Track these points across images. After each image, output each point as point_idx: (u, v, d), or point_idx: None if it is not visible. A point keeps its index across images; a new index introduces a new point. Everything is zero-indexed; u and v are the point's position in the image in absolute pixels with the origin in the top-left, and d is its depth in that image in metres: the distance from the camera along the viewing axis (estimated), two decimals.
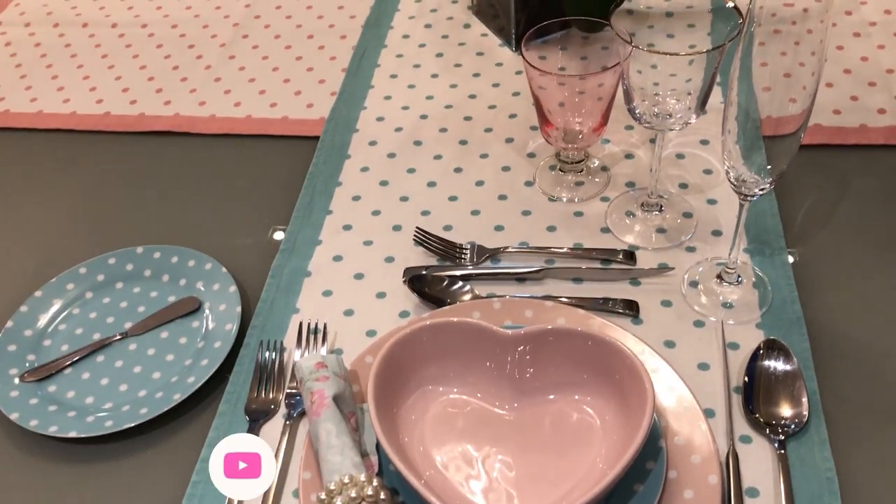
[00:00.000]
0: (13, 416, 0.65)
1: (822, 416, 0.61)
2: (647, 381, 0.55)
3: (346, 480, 0.53)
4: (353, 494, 0.52)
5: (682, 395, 0.60)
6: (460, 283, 0.72)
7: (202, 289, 0.74)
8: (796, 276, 0.71)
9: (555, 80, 0.73)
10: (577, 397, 0.60)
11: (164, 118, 0.95)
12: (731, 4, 0.64)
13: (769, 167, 0.60)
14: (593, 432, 0.59)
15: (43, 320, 0.73)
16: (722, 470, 0.57)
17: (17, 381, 0.68)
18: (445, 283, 0.71)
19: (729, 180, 0.63)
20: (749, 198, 0.63)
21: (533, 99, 0.77)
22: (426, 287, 0.71)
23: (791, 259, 0.72)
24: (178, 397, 0.65)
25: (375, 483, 0.54)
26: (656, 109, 0.69)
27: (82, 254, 0.78)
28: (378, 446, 0.59)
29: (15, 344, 0.71)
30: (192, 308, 0.73)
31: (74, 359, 0.70)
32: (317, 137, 0.91)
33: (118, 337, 0.72)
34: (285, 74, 1.00)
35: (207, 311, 0.73)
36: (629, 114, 0.70)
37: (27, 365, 0.70)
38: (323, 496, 0.53)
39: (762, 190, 0.62)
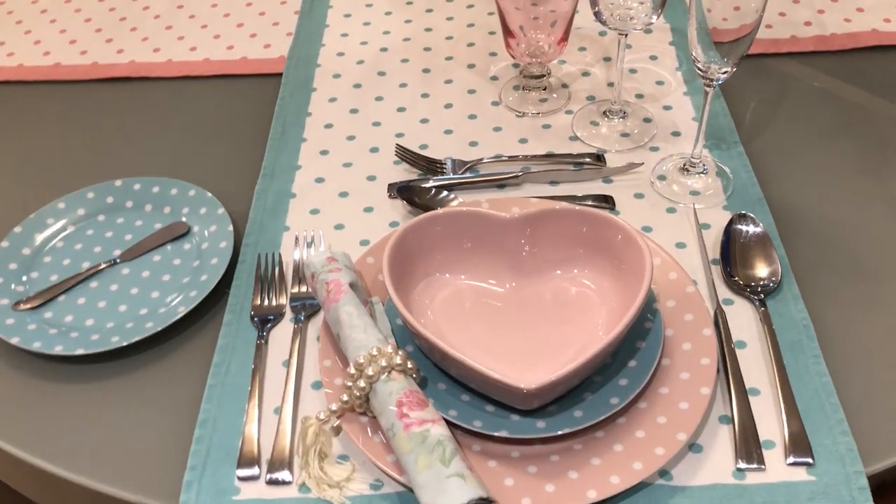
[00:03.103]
0: (13, 341, 0.64)
1: (792, 276, 0.67)
2: (642, 243, 0.59)
3: (375, 353, 0.55)
4: (384, 364, 0.55)
5: (668, 264, 0.65)
6: (445, 192, 0.75)
7: (188, 214, 0.75)
8: (752, 166, 0.77)
9: None
10: (575, 271, 0.64)
11: (119, 66, 0.94)
12: None
13: (726, 58, 0.66)
14: (592, 302, 0.63)
15: (27, 251, 0.72)
16: (718, 323, 0.62)
17: (10, 310, 0.67)
18: (432, 192, 0.74)
19: (695, 67, 0.68)
20: (714, 82, 0.68)
21: (498, 13, 0.81)
22: (415, 196, 0.74)
23: (742, 150, 0.78)
24: (182, 310, 0.66)
25: (402, 352, 0.56)
26: (620, 13, 0.73)
27: (57, 194, 0.77)
28: (393, 331, 0.61)
29: (1, 277, 0.70)
30: (181, 232, 0.73)
31: (67, 287, 0.69)
32: (279, 75, 0.92)
33: (109, 264, 0.71)
34: (238, 19, 1.00)
35: (198, 234, 0.73)
36: (595, 17, 0.75)
37: (18, 296, 0.69)
38: (353, 370, 0.55)
39: (725, 73, 0.67)
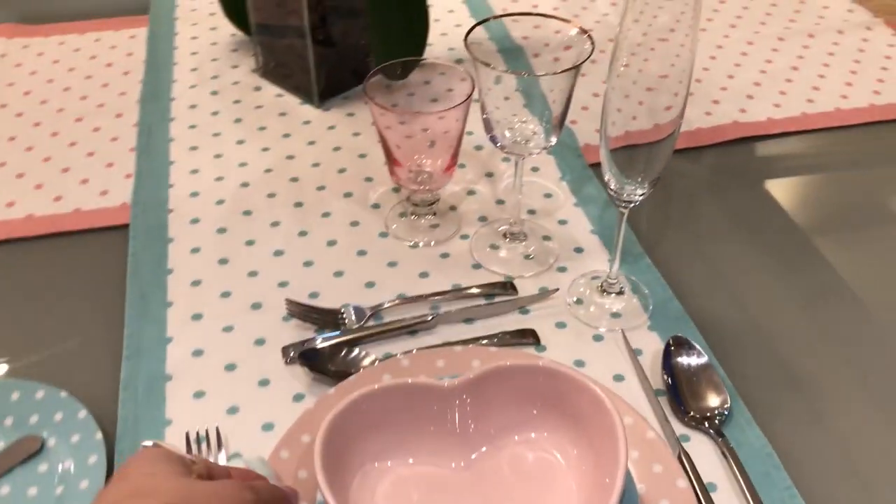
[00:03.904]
0: None
1: (740, 400, 0.63)
2: (607, 402, 0.53)
3: None
4: None
5: (622, 408, 0.59)
6: (356, 350, 0.65)
7: (38, 424, 0.60)
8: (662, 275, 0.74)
9: (407, 119, 0.70)
10: (532, 435, 0.57)
11: None
12: (575, 31, 0.66)
13: (641, 177, 0.63)
14: (556, 468, 0.56)
15: None
16: (687, 472, 0.57)
17: None
18: (342, 352, 0.65)
19: (608, 189, 0.64)
20: (627, 204, 0.65)
21: (380, 141, 0.73)
22: (325, 362, 0.64)
23: (650, 262, 0.76)
24: None
25: None
26: (517, 136, 0.69)
27: None
28: None
29: None
30: (32, 450, 0.58)
31: None
32: (125, 226, 0.79)
33: None
34: (62, 164, 0.86)
35: (55, 449, 0.59)
36: (490, 142, 0.70)
37: None
38: None
39: (641, 195, 0.64)
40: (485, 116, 0.68)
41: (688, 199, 0.84)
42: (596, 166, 0.85)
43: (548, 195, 0.83)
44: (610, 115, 0.60)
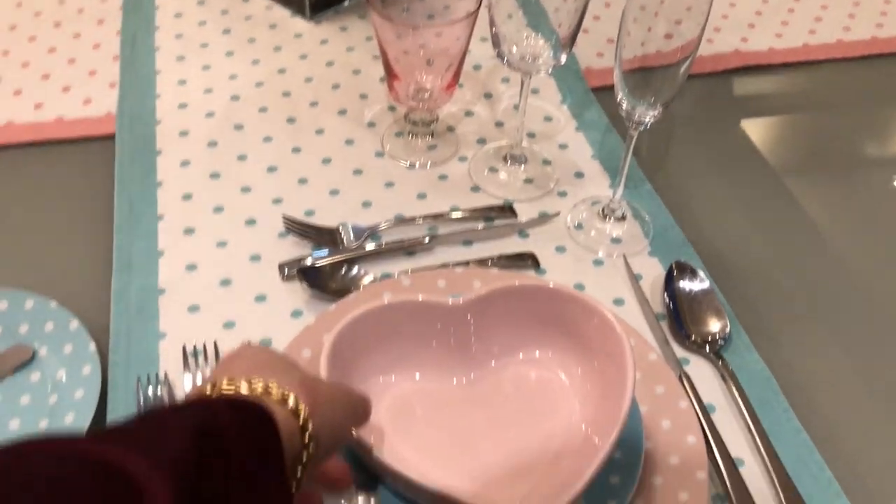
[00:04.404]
0: None
1: (739, 325, 0.64)
2: (617, 326, 0.52)
3: None
4: None
5: (626, 331, 0.59)
6: (356, 269, 0.64)
7: (29, 334, 0.58)
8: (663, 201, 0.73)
9: (409, 32, 0.68)
10: (537, 353, 0.56)
11: None
12: None
13: (653, 98, 0.61)
14: (559, 388, 0.55)
15: None
16: (688, 393, 0.57)
17: None
18: (342, 270, 0.63)
19: (620, 110, 0.63)
20: (638, 125, 0.63)
21: (381, 56, 0.71)
22: (324, 279, 0.62)
23: (651, 188, 0.75)
24: None
25: (361, 497, 0.46)
26: (525, 53, 0.67)
27: None
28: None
29: None
30: (23, 359, 0.57)
31: None
32: (110, 137, 0.76)
33: None
34: (41, 70, 0.82)
35: (47, 359, 0.57)
36: (498, 58, 0.67)
37: None
38: None
39: (653, 117, 0.62)
40: (493, 30, 0.66)
41: (689, 126, 0.83)
42: (597, 90, 0.83)
43: (548, 118, 0.82)
44: (625, 35, 0.58)
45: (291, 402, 0.37)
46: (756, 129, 0.83)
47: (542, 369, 0.56)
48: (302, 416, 0.37)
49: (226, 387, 0.37)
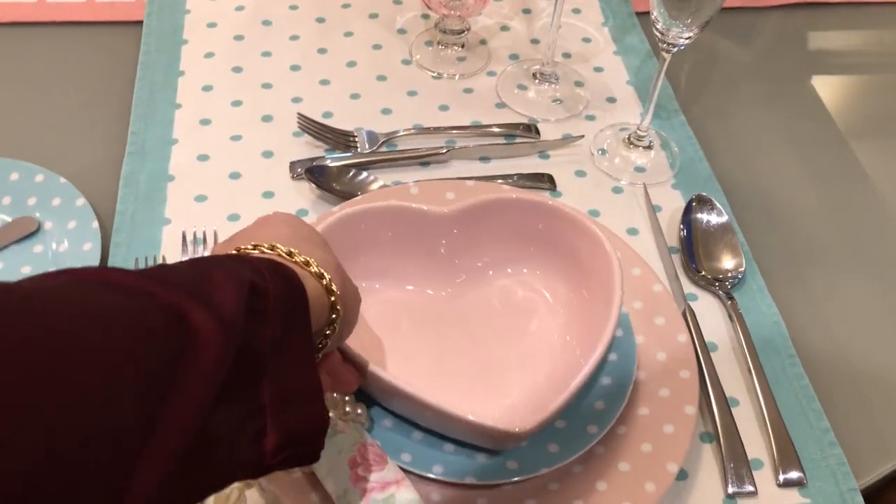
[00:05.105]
0: None
1: (755, 266, 0.61)
2: (607, 246, 0.50)
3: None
4: (331, 414, 0.43)
5: (631, 258, 0.57)
6: (365, 174, 0.63)
7: (36, 206, 0.59)
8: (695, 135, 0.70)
9: None
10: (525, 271, 0.55)
11: None
12: None
13: (689, 19, 0.58)
14: (544, 305, 0.54)
15: None
16: (689, 327, 0.55)
17: None
18: (350, 173, 0.62)
19: (654, 28, 0.59)
20: (672, 47, 0.60)
21: None
22: (331, 180, 0.61)
23: (684, 119, 0.71)
24: None
25: (350, 397, 0.46)
26: None
27: None
28: None
29: None
30: (28, 230, 0.57)
31: None
32: (137, 22, 0.75)
33: None
34: None
35: (51, 232, 0.58)
36: None
37: None
38: None
39: (688, 39, 0.59)
40: None
41: (734, 62, 0.78)
42: (642, 14, 0.79)
43: (586, 40, 0.78)
44: None
45: (326, 281, 0.38)
46: (813, 74, 0.78)
47: (530, 286, 0.55)
48: (332, 298, 0.38)
49: (268, 251, 0.38)
